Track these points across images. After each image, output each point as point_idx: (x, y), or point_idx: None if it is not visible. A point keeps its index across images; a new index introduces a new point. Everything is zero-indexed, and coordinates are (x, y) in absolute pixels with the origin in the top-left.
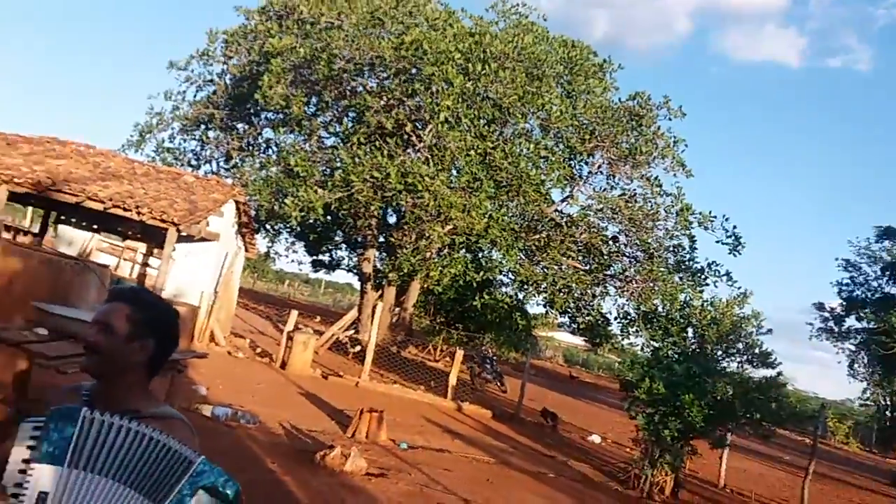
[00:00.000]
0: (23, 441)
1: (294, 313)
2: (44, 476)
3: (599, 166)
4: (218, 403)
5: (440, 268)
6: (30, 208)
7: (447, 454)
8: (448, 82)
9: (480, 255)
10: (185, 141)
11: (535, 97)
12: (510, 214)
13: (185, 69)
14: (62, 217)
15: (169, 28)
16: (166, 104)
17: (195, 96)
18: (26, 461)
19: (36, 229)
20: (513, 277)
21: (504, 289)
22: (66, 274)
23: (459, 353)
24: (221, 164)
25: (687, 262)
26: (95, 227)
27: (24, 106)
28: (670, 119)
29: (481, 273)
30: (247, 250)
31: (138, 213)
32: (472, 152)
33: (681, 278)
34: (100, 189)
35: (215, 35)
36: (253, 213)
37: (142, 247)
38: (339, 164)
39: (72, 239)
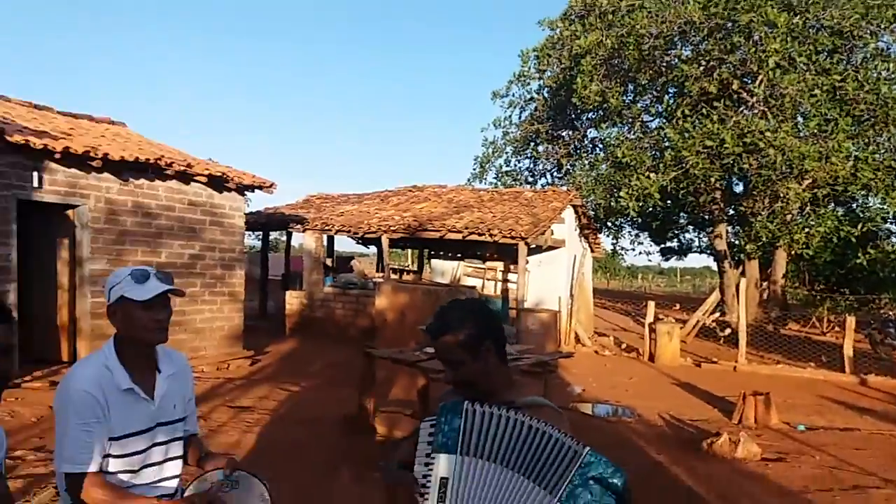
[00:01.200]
0: (424, 438)
1: (651, 305)
2: (442, 464)
3: None
4: (594, 401)
5: (804, 229)
6: (409, 250)
7: (856, 433)
8: (771, 25)
9: (853, 205)
10: (518, 161)
11: (881, 10)
12: (882, 151)
13: (507, 95)
14: (432, 252)
15: (486, 66)
16: (497, 132)
17: (520, 117)
18: (428, 454)
19: (415, 267)
20: None
21: (894, 238)
22: (442, 300)
23: (851, 321)
24: (554, 174)
25: None
26: (459, 255)
27: (392, 166)
28: None
29: (859, 226)
30: (592, 251)
31: (490, 236)
32: (817, 91)
33: None
34: (456, 221)
35: (527, 55)
36: (591, 213)
37: (500, 265)
38: (667, 144)
39: (443, 270)
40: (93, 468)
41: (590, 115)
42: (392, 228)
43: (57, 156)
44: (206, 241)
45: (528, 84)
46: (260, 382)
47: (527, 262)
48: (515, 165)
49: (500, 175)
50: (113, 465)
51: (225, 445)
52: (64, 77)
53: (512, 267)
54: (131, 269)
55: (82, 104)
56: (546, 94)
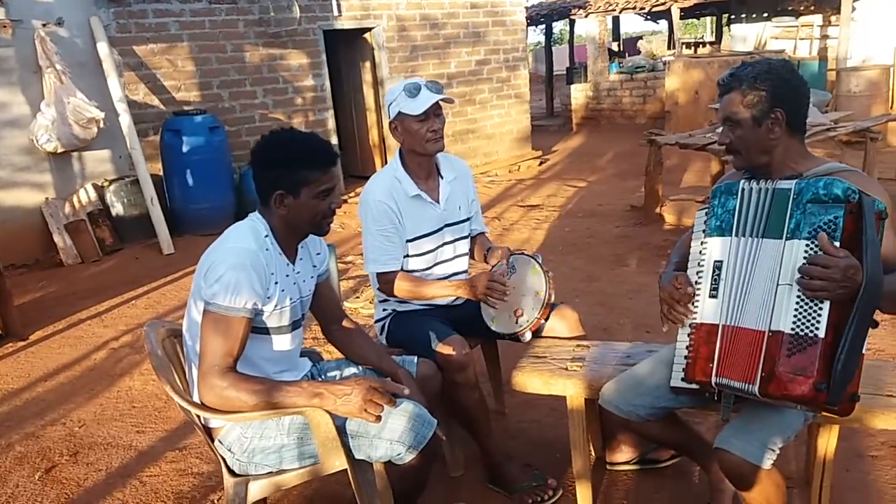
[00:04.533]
0: (698, 226)
1: None
2: (715, 248)
3: None
4: None
5: None
6: (706, 18)
7: None
8: None
9: None
10: None
11: None
12: None
13: None
14: (732, 17)
15: None
16: None
17: None
18: (701, 241)
19: (712, 38)
20: None
21: None
22: None
23: None
24: None
25: None
26: (766, 14)
27: None
28: None
29: None
30: None
31: None
32: None
33: None
34: None
35: None
36: None
37: (817, 19)
38: None
39: (745, 36)
40: (394, 266)
41: None
42: None
43: None
44: (490, 44)
45: None
46: (548, 181)
47: (852, 10)
48: None
49: None
50: (409, 263)
51: (517, 242)
52: None
53: (833, 19)
54: (404, 83)
55: None
56: None
